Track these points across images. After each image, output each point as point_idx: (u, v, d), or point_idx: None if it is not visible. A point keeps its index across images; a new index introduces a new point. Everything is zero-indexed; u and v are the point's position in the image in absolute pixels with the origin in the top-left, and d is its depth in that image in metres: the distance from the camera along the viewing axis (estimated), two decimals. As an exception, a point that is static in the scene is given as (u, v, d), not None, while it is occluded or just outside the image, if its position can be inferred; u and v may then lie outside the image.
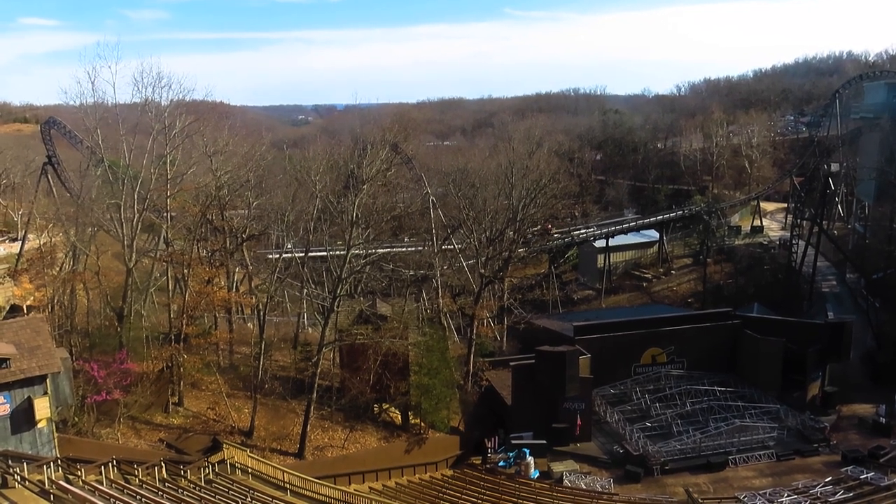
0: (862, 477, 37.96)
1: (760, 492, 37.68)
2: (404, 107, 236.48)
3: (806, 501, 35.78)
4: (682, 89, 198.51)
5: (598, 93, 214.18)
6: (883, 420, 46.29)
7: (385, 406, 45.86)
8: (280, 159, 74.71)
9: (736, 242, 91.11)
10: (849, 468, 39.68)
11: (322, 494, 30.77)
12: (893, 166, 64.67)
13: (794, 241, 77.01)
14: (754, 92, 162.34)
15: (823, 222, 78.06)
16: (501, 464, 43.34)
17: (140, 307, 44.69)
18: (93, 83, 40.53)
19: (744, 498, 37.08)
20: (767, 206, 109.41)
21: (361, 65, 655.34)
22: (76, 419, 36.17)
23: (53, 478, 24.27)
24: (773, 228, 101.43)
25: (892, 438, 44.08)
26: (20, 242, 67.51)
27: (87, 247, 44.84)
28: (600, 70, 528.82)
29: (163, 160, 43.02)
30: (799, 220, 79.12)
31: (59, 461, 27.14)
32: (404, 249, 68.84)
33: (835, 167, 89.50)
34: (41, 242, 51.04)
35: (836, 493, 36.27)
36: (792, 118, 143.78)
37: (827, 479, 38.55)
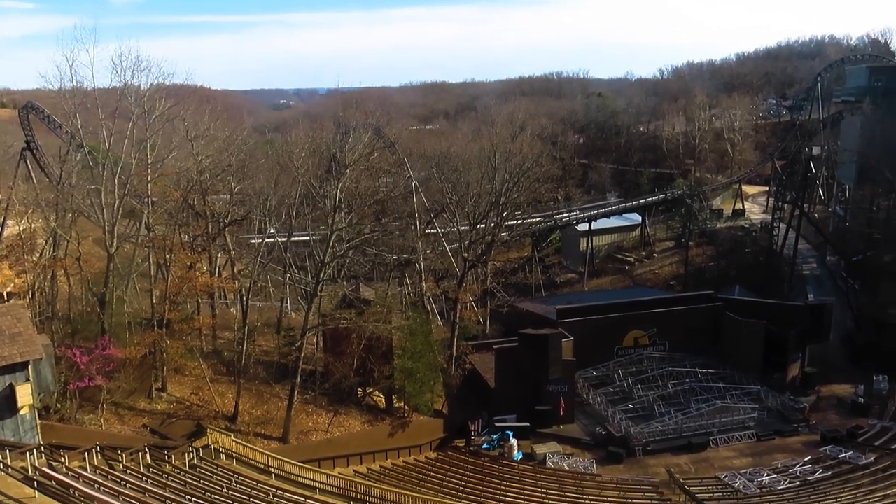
0: (840, 456, 38.69)
1: (741, 471, 38.30)
2: (387, 90, 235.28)
3: (785, 480, 36.43)
4: (665, 73, 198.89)
5: (582, 76, 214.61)
6: (861, 400, 47.12)
7: (369, 390, 46.01)
8: (262, 143, 74.11)
9: (718, 226, 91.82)
10: (827, 447, 40.43)
11: (306, 478, 30.87)
12: (874, 149, 65.25)
13: (775, 224, 77.73)
14: (737, 75, 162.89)
15: (804, 205, 78.80)
16: (485, 446, 43.68)
17: (122, 293, 44.29)
18: (71, 67, 39.83)
19: (724, 477, 37.66)
20: (749, 190, 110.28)
21: (344, 48, 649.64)
22: (59, 406, 35.96)
23: (37, 464, 24.12)
24: (755, 212, 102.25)
25: (870, 418, 44.92)
26: (-1, 228, 66.58)
27: (68, 233, 44.32)
28: (584, 53, 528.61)
29: (143, 145, 42.53)
30: (780, 204, 79.81)
31: (42, 448, 26.99)
32: (387, 234, 68.75)
33: (816, 150, 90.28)
34: (21, 228, 50.43)
35: (814, 472, 36.97)
36: (774, 101, 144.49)
37: (806, 459, 39.26)
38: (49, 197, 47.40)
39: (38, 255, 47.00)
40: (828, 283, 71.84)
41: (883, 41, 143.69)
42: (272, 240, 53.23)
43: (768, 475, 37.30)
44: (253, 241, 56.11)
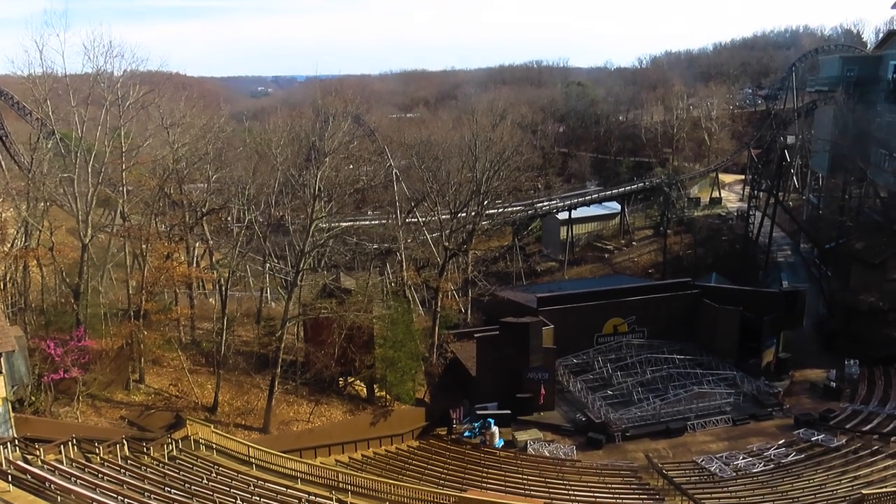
0: (813, 439, 39.46)
1: (717, 455, 38.90)
2: (367, 78, 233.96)
3: (760, 463, 37.08)
4: (644, 62, 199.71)
5: (562, 65, 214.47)
6: (833, 384, 48.01)
7: (350, 379, 45.90)
8: (240, 131, 73.32)
9: (695, 214, 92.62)
10: (801, 431, 41.21)
11: (288, 468, 30.80)
12: (846, 138, 66.11)
13: (751, 212, 78.64)
14: (714, 65, 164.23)
15: (779, 194, 79.77)
16: (466, 434, 43.84)
17: (97, 284, 43.69)
18: (41, 52, 38.94)
19: (701, 461, 38.24)
20: (726, 178, 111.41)
21: (323, 35, 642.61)
22: (33, 398, 35.46)
23: (11, 458, 23.80)
24: (731, 200, 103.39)
25: (841, 402, 45.84)
26: (-32, 218, 65.23)
27: (40, 222, 43.55)
28: (563, 42, 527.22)
29: (117, 132, 41.81)
30: (756, 192, 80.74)
31: (17, 441, 26.63)
32: (368, 223, 68.43)
33: (791, 139, 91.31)
34: (-10, 218, 49.42)
35: (788, 455, 37.69)
36: (750, 91, 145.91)
37: (780, 442, 40.01)
38: (19, 186, 46.44)
39: (9, 245, 46.10)
40: (801, 270, 72.95)
41: (855, 31, 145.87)
42: (251, 229, 52.67)
43: (743, 458, 37.95)
44: (231, 231, 55.52)
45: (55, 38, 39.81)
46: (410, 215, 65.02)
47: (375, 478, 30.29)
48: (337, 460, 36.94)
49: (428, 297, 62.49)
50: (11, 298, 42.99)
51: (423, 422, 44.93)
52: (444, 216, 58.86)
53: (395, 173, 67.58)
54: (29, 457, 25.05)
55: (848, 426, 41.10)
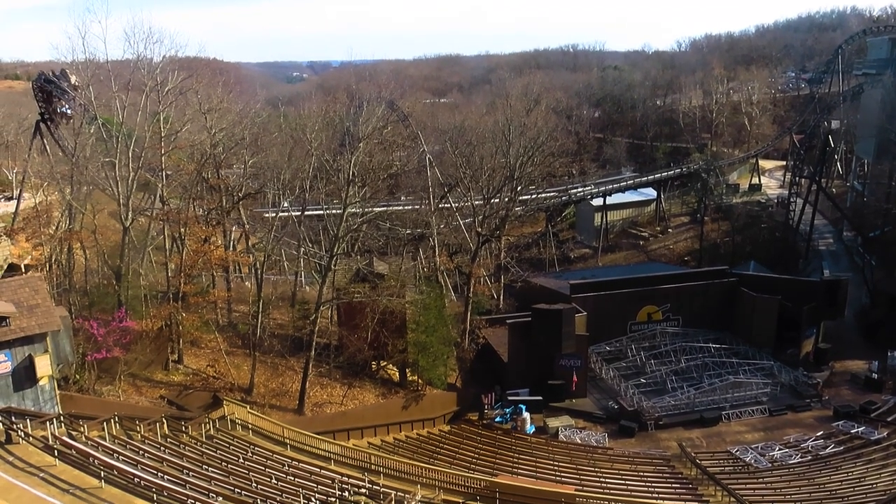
0: (853, 431, 38.73)
1: (752, 446, 38.47)
2: (401, 63, 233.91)
3: (797, 455, 36.56)
4: (683, 45, 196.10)
5: (597, 49, 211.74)
6: (875, 376, 46.93)
7: (383, 363, 46.30)
8: (275, 117, 73.95)
9: (734, 200, 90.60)
10: (840, 423, 40.46)
11: (321, 449, 31.31)
12: (894, 124, 64.10)
13: (792, 199, 76.88)
14: (756, 48, 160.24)
15: (822, 180, 77.77)
16: (498, 419, 43.99)
17: (138, 266, 44.67)
18: (83, 39, 39.76)
19: (736, 452, 37.86)
20: (766, 164, 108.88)
21: (357, 20, 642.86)
22: (77, 377, 36.49)
23: (57, 434, 24.62)
24: (772, 186, 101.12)
25: (883, 394, 44.82)
26: (16, 201, 67.14)
27: (83, 205, 44.62)
28: (599, 25, 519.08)
29: (156, 118, 42.50)
30: (797, 178, 78.82)
31: (62, 417, 27.52)
32: (401, 208, 68.65)
33: (835, 124, 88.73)
34: (37, 201, 50.81)
35: (826, 447, 37.09)
36: (793, 74, 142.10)
37: (818, 434, 39.34)
38: (64, 170, 47.60)
39: (54, 228, 47.36)
40: (844, 258, 71.22)
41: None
42: (286, 214, 53.24)
43: (780, 449, 37.46)
44: (267, 215, 56.18)
45: (97, 25, 40.76)
46: (443, 201, 65.04)
47: (407, 461, 30.65)
48: (369, 443, 37.44)
49: (460, 282, 62.51)
50: (57, 279, 44.18)
51: (454, 406, 45.18)
52: (477, 202, 58.74)
53: (429, 158, 67.57)
54: (73, 433, 25.87)
55: (889, 419, 40.21)
